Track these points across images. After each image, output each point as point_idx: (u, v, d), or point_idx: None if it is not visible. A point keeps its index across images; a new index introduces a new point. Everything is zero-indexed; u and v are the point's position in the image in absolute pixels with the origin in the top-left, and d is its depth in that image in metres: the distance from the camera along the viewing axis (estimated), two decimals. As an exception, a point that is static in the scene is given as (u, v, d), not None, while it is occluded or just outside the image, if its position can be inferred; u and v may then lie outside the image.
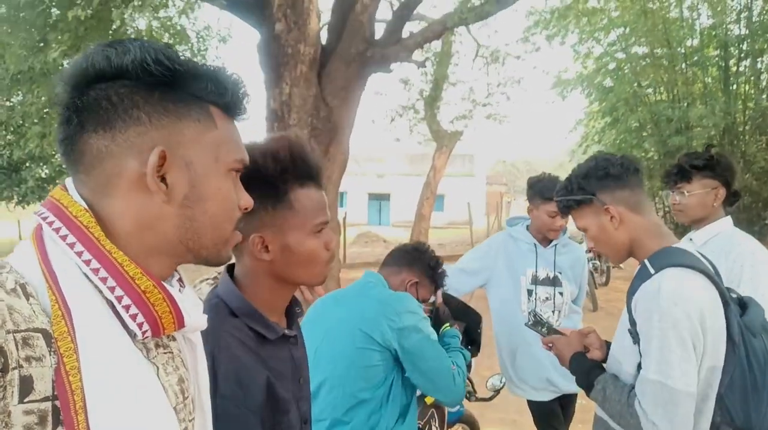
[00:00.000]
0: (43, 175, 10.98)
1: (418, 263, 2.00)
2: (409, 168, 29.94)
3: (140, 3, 5.50)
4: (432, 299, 2.11)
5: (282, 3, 5.49)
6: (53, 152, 9.59)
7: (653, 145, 15.44)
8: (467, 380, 2.42)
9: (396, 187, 28.25)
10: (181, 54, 0.71)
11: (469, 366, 2.52)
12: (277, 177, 1.08)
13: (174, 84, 0.70)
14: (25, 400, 0.56)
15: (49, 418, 0.57)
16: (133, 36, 8.79)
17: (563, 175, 2.67)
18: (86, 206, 0.68)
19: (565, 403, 2.73)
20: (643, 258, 1.50)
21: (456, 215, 26.76)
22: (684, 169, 2.16)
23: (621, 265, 1.80)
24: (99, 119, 0.67)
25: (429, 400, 2.37)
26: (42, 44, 5.63)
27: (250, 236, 1.07)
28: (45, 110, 6.98)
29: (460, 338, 2.11)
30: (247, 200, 0.79)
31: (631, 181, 1.55)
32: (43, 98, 5.94)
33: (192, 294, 0.80)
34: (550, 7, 13.50)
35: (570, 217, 1.70)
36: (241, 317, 1.08)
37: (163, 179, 0.69)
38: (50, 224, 0.67)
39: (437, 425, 2.49)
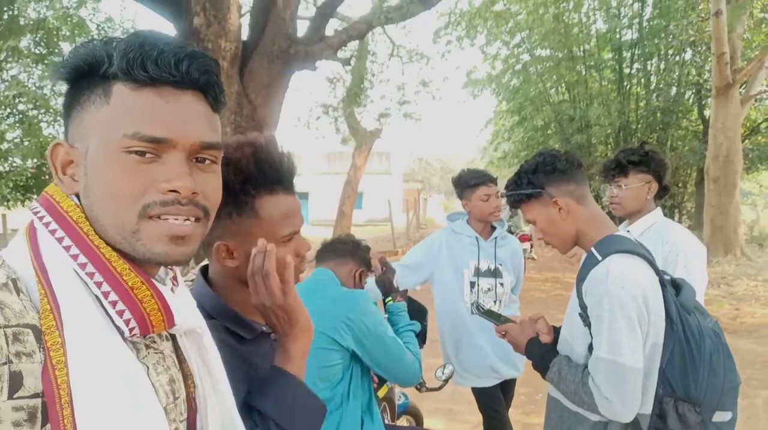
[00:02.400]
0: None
1: (358, 252, 2.05)
2: (327, 166, 29.81)
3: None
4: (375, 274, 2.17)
5: (200, -4, 5.30)
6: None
7: (557, 142, 16.42)
8: None
9: (314, 185, 28.04)
10: (92, 42, 0.69)
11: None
12: (239, 188, 1.03)
13: (84, 75, 0.68)
14: (15, 396, 0.55)
15: (39, 415, 0.57)
16: (28, 26, 8.12)
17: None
18: (78, 202, 0.68)
19: (506, 387, 2.86)
20: (588, 246, 1.61)
21: (375, 213, 26.99)
22: (621, 164, 2.32)
23: (565, 254, 1.92)
24: (65, 121, 0.72)
25: (381, 393, 2.40)
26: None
27: (215, 242, 1.04)
28: None
29: (406, 310, 2.13)
30: (166, 182, 0.66)
31: (576, 175, 1.66)
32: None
33: (185, 293, 0.78)
34: (460, 9, 13.95)
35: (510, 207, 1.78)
36: (217, 318, 1.05)
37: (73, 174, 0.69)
38: (41, 218, 0.67)
39: (389, 417, 2.53)
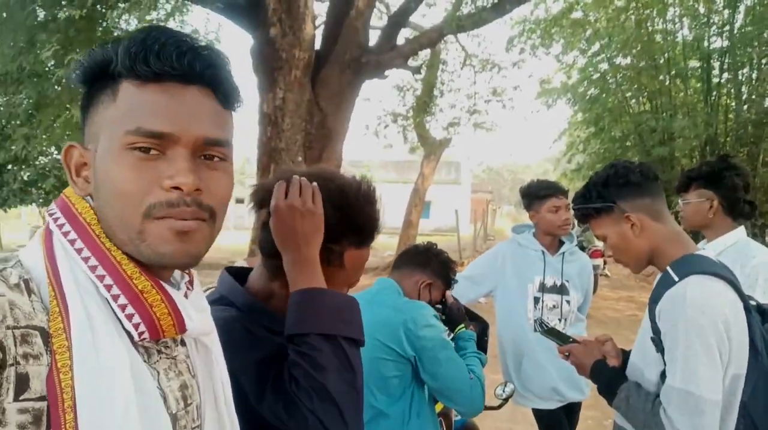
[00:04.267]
0: (26, 179, 10.79)
1: (430, 264, 1.97)
2: (395, 175, 29.98)
3: (129, 5, 5.45)
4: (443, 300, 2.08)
5: (277, 7, 5.48)
6: (37, 155, 9.44)
7: (636, 154, 15.67)
8: None
9: (382, 194, 28.22)
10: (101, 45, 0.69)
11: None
12: (339, 242, 1.06)
13: (98, 76, 0.68)
14: (21, 398, 0.55)
15: (44, 418, 0.56)
16: (121, 36, 8.71)
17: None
18: (92, 203, 0.68)
19: (570, 411, 2.73)
20: (664, 265, 1.50)
21: (442, 222, 26.85)
22: (684, 178, 2.26)
23: (639, 273, 1.82)
24: (83, 125, 0.72)
25: (438, 407, 2.34)
26: (30, 45, 5.54)
27: None
28: (31, 112, 6.87)
29: (475, 340, 2.06)
30: (169, 179, 0.64)
31: (651, 188, 1.55)
32: (30, 100, 5.85)
33: (199, 298, 0.77)
34: (536, 17, 13.66)
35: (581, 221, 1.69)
36: (248, 313, 1.05)
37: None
38: (56, 220, 0.67)
39: (445, 433, 2.47)
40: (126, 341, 0.63)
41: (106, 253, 0.65)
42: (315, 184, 1.03)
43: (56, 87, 5.70)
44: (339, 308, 1.00)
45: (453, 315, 2.06)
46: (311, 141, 5.80)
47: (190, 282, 0.76)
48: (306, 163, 5.76)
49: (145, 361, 0.67)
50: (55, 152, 10.18)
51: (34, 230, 16.60)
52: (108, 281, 0.64)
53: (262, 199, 1.09)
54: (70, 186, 0.72)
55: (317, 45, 6.08)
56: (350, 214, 1.05)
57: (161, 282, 0.68)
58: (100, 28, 5.50)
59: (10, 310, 0.57)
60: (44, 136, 8.07)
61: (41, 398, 0.56)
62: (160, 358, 0.71)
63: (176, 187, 0.64)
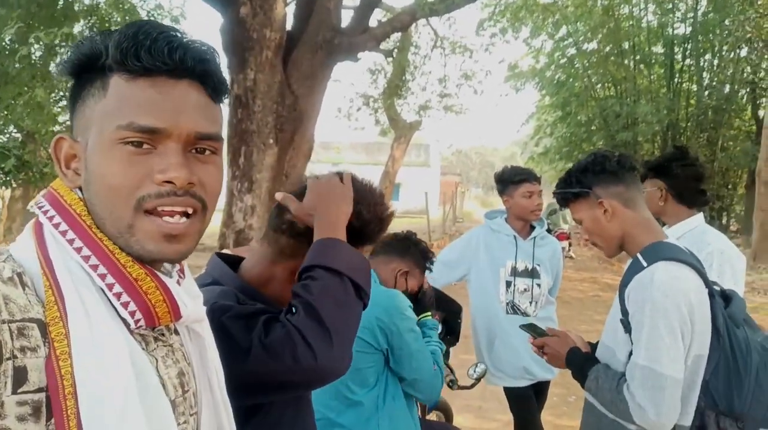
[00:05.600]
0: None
1: (409, 252, 1.99)
2: (365, 157, 29.89)
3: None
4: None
5: (247, -14, 5.36)
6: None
7: (602, 139, 16.01)
8: (449, 368, 2.46)
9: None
10: (90, 36, 0.70)
11: (447, 354, 2.56)
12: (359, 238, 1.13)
13: (86, 69, 0.69)
14: (19, 391, 0.55)
15: (43, 409, 0.57)
16: (81, 12, 8.38)
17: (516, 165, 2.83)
18: (81, 195, 0.68)
19: (539, 389, 2.83)
20: (634, 252, 1.58)
21: (411, 205, 26.95)
22: (642, 169, 2.34)
23: (612, 257, 1.90)
24: (70, 116, 0.73)
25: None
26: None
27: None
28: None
29: (439, 330, 2.10)
30: (165, 172, 0.66)
31: (626, 177, 1.63)
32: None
33: (191, 285, 0.78)
34: (505, 1, 13.69)
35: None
36: (240, 295, 1.09)
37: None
38: (45, 213, 0.68)
39: (419, 412, 2.53)
40: (123, 329, 0.64)
41: (99, 243, 0.66)
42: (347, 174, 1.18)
43: (17, 65, 5.48)
44: (352, 257, 1.05)
45: (424, 302, 2.10)
46: (283, 123, 5.73)
47: (181, 270, 0.77)
48: (277, 146, 5.70)
49: (143, 349, 0.67)
50: (14, 131, 9.83)
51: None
52: (102, 270, 0.65)
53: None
54: (58, 178, 0.72)
55: (289, 25, 5.99)
56: (383, 224, 1.17)
57: (154, 270, 0.69)
58: (61, 4, 5.29)
59: (5, 304, 0.57)
60: (4, 115, 7.78)
61: (39, 390, 0.57)
62: (158, 346, 0.72)
63: (168, 182, 0.65)
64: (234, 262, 1.19)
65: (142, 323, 0.66)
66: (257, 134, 5.50)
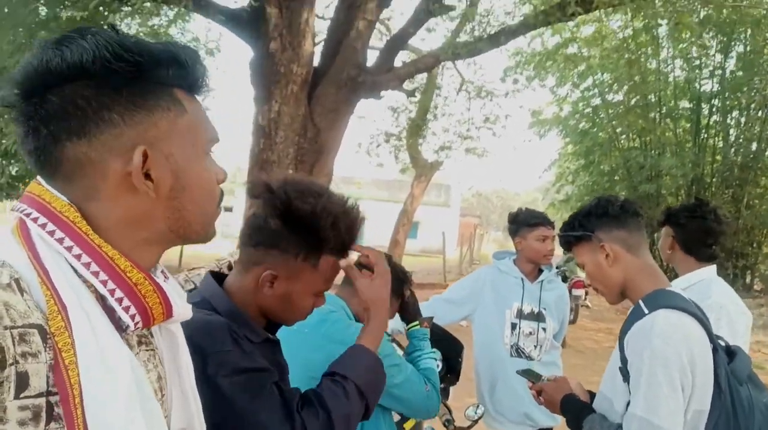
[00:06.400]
0: (14, 173, 10.68)
1: None
2: (385, 194, 30.06)
3: (132, 10, 5.50)
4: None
5: (278, 22, 5.55)
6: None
7: (624, 189, 15.85)
8: (446, 408, 2.40)
9: (372, 212, 28.29)
10: (132, 38, 0.68)
11: (447, 393, 2.50)
12: (321, 244, 1.13)
13: (137, 76, 0.67)
14: (21, 395, 0.56)
15: (43, 414, 0.58)
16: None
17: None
18: (69, 201, 0.67)
19: (541, 437, 2.75)
20: (637, 298, 1.54)
21: (429, 244, 26.86)
22: (662, 215, 2.38)
23: (615, 304, 1.87)
24: (71, 127, 0.65)
25: (408, 425, 2.34)
26: (29, 42, 5.55)
27: (266, 269, 1.12)
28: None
29: (428, 337, 2.02)
30: (222, 174, 0.79)
31: (630, 222, 1.61)
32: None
33: (176, 284, 0.80)
34: (531, 50, 13.87)
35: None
36: (227, 319, 1.11)
37: (148, 176, 0.69)
38: (35, 220, 0.66)
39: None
40: (117, 334, 0.65)
41: (97, 249, 0.66)
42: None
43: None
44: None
45: (408, 311, 2.01)
46: (303, 155, 5.83)
47: (163, 271, 0.80)
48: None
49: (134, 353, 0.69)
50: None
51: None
52: (103, 276, 0.66)
53: (257, 192, 1.16)
54: (35, 183, 0.70)
55: (316, 62, 6.15)
56: (337, 222, 1.11)
57: (150, 274, 0.71)
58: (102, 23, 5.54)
59: (6, 310, 0.58)
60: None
61: (40, 395, 0.58)
62: (141, 350, 0.73)
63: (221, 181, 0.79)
64: (224, 279, 1.22)
65: (140, 325, 0.69)
66: (277, 164, 5.60)
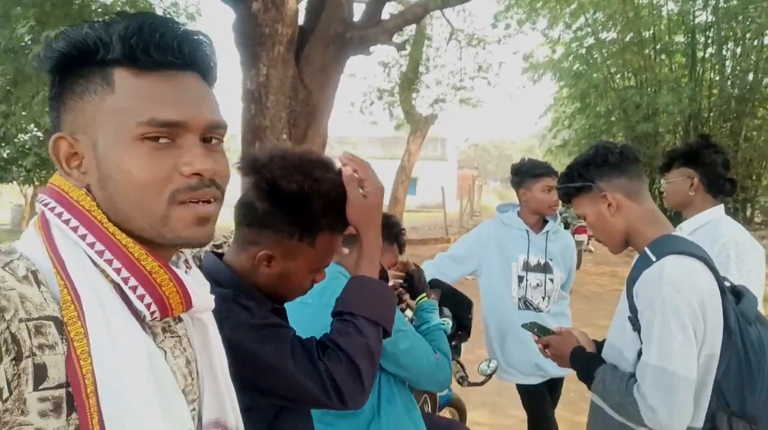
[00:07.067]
0: (6, 156, 10.59)
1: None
2: (381, 152, 29.84)
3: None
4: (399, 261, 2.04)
5: (259, -19, 5.35)
6: (16, 132, 9.26)
7: (621, 130, 15.74)
8: (459, 364, 2.43)
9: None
10: (69, 27, 0.67)
11: (458, 350, 2.53)
12: (317, 222, 1.10)
13: (65, 63, 0.67)
14: (40, 387, 0.57)
15: (64, 405, 0.58)
16: (99, 11, 8.48)
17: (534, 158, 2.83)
18: (87, 190, 0.68)
19: (552, 386, 2.79)
20: (641, 246, 1.52)
21: (428, 199, 26.88)
22: (666, 158, 2.28)
23: (618, 254, 1.85)
24: (55, 111, 0.70)
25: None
26: (5, 19, 5.37)
27: (261, 249, 1.10)
28: (8, 89, 6.71)
29: (437, 309, 2.03)
30: (189, 166, 0.67)
31: (629, 169, 1.57)
32: (7, 76, 5.69)
33: (199, 275, 0.79)
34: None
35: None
36: (231, 290, 1.09)
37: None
38: (52, 209, 0.67)
39: (429, 409, 2.52)
40: (136, 323, 0.65)
41: (111, 238, 0.66)
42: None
43: (33, 63, 5.56)
44: (388, 302, 1.15)
45: (415, 285, 2.02)
46: (296, 118, 5.73)
47: (186, 261, 0.78)
48: (291, 140, 5.71)
49: (153, 341, 0.68)
50: (35, 129, 10.00)
51: (15, 208, 16.18)
52: (117, 264, 0.65)
53: (250, 167, 1.10)
54: (58, 175, 0.71)
55: (300, 20, 5.97)
56: (328, 198, 1.07)
57: (167, 262, 0.70)
58: (77, 3, 5.33)
59: (22, 303, 0.58)
60: (23, 114, 7.91)
61: (59, 386, 0.58)
62: (165, 337, 0.73)
63: (196, 173, 0.67)
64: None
65: (157, 315, 0.68)
66: (270, 130, 5.51)
